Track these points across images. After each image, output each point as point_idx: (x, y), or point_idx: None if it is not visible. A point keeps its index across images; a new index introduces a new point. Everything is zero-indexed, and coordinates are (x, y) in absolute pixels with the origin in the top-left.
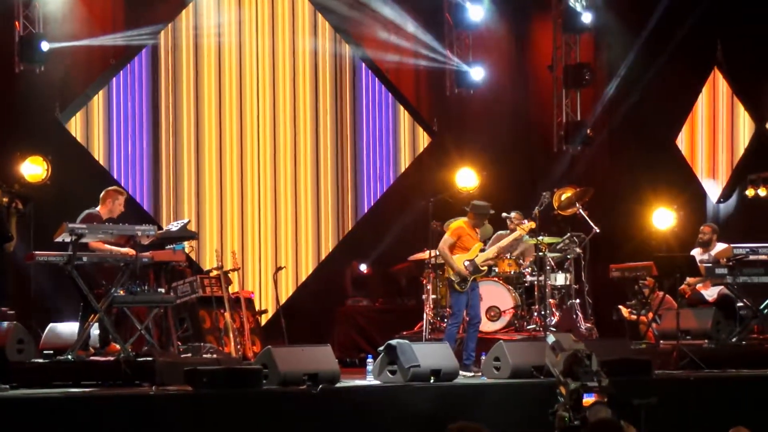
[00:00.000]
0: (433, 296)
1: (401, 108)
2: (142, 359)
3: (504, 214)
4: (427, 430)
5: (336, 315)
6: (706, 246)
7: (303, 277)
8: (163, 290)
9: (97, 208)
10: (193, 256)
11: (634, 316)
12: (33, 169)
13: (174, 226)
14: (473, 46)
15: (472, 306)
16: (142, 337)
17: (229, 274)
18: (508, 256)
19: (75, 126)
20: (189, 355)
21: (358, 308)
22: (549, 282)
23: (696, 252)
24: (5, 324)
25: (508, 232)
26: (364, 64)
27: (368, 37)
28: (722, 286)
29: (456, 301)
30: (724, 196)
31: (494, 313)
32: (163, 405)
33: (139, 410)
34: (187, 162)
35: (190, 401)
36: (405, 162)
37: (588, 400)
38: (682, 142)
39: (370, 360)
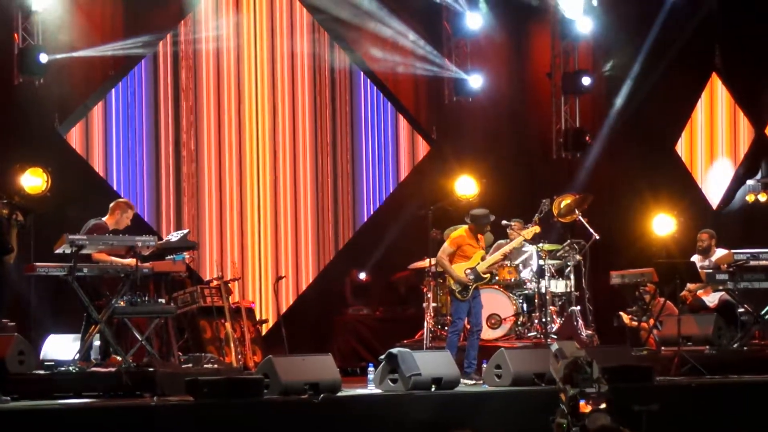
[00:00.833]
0: (434, 304)
1: (400, 116)
2: (143, 370)
3: (504, 222)
4: None
5: (336, 324)
6: (706, 253)
7: (303, 287)
8: (163, 301)
9: (104, 218)
10: (193, 266)
11: (635, 323)
12: (33, 180)
13: (174, 237)
14: (472, 54)
15: (474, 314)
16: (142, 348)
17: (230, 284)
18: (508, 263)
19: (74, 137)
20: (190, 365)
21: (358, 317)
22: (549, 289)
23: (696, 259)
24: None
25: (509, 240)
26: (362, 73)
27: (366, 46)
28: (723, 292)
29: (456, 309)
30: (724, 201)
31: (495, 321)
32: (165, 416)
33: (141, 421)
34: (187, 172)
35: (191, 412)
36: (404, 170)
37: (584, 405)
38: (681, 148)
39: (371, 369)
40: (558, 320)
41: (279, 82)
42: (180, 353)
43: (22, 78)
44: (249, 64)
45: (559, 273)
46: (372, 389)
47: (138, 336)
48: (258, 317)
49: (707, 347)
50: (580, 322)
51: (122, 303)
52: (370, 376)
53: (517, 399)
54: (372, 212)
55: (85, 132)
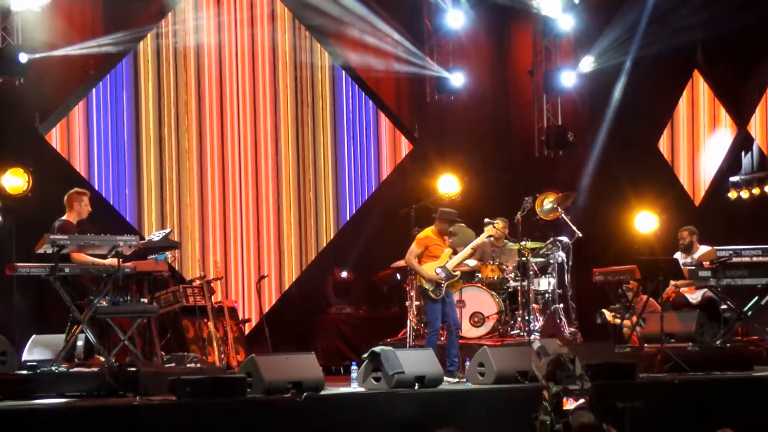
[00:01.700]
0: (417, 303)
1: (382, 115)
2: (126, 370)
3: (487, 220)
4: None
5: (319, 323)
6: (688, 250)
7: (286, 286)
8: (146, 300)
9: (65, 217)
10: (175, 265)
11: (618, 320)
12: (14, 181)
13: (156, 236)
14: (453, 52)
15: (447, 313)
16: (125, 348)
17: (212, 284)
18: (491, 261)
19: (55, 137)
20: (173, 365)
21: (341, 316)
22: (532, 287)
23: (679, 256)
24: None
25: (492, 239)
26: (343, 72)
27: (348, 44)
28: (706, 289)
29: (431, 310)
30: (707, 198)
31: (478, 319)
32: (148, 415)
33: (124, 421)
34: (169, 171)
35: (174, 411)
36: (386, 169)
37: (567, 402)
38: (663, 145)
39: (354, 367)
40: (541, 318)
41: (260, 81)
42: (163, 353)
43: (1, 78)
44: (230, 63)
45: (542, 271)
46: (355, 388)
47: (121, 336)
48: (241, 316)
49: (690, 344)
50: (563, 319)
51: (104, 303)
52: (353, 375)
53: (500, 397)
54: (354, 211)
55: (67, 131)
